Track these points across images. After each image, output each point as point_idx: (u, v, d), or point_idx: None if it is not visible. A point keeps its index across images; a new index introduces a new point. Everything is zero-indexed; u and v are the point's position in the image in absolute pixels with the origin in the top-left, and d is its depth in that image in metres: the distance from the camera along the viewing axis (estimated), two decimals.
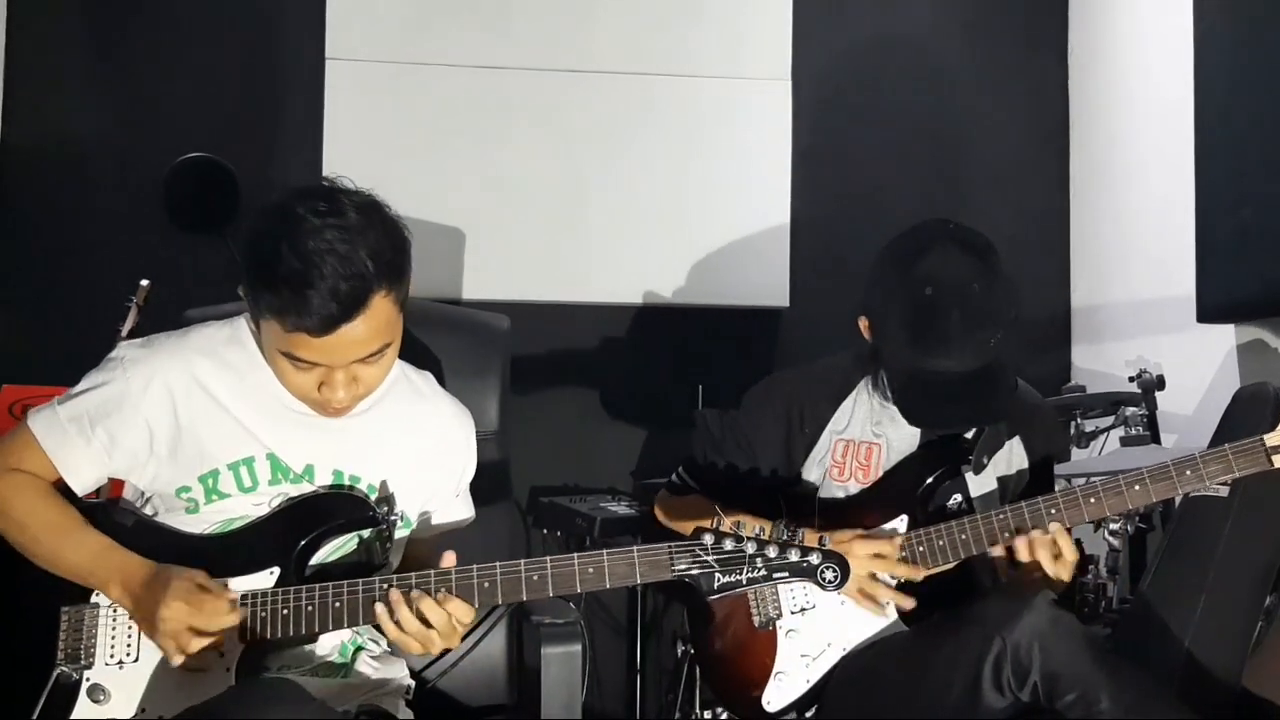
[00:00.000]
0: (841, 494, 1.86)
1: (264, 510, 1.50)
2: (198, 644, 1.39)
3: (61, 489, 1.51)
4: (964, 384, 1.70)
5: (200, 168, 2.45)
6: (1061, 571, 1.69)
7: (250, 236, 1.42)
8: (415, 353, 1.68)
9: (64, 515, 1.48)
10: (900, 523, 1.78)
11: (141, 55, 2.91)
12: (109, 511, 1.53)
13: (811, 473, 1.89)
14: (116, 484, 1.59)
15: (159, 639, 1.40)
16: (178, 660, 1.40)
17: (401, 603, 1.41)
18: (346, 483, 1.54)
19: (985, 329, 1.70)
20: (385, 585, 1.44)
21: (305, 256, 1.35)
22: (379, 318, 1.40)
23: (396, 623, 1.42)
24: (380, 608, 1.42)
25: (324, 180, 1.47)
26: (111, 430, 1.48)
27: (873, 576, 1.72)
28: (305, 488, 1.52)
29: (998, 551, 1.70)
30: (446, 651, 1.50)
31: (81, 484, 1.51)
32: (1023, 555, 1.68)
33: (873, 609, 1.75)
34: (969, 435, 1.85)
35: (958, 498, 1.83)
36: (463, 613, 1.43)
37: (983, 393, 1.72)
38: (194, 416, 1.49)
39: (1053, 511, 1.70)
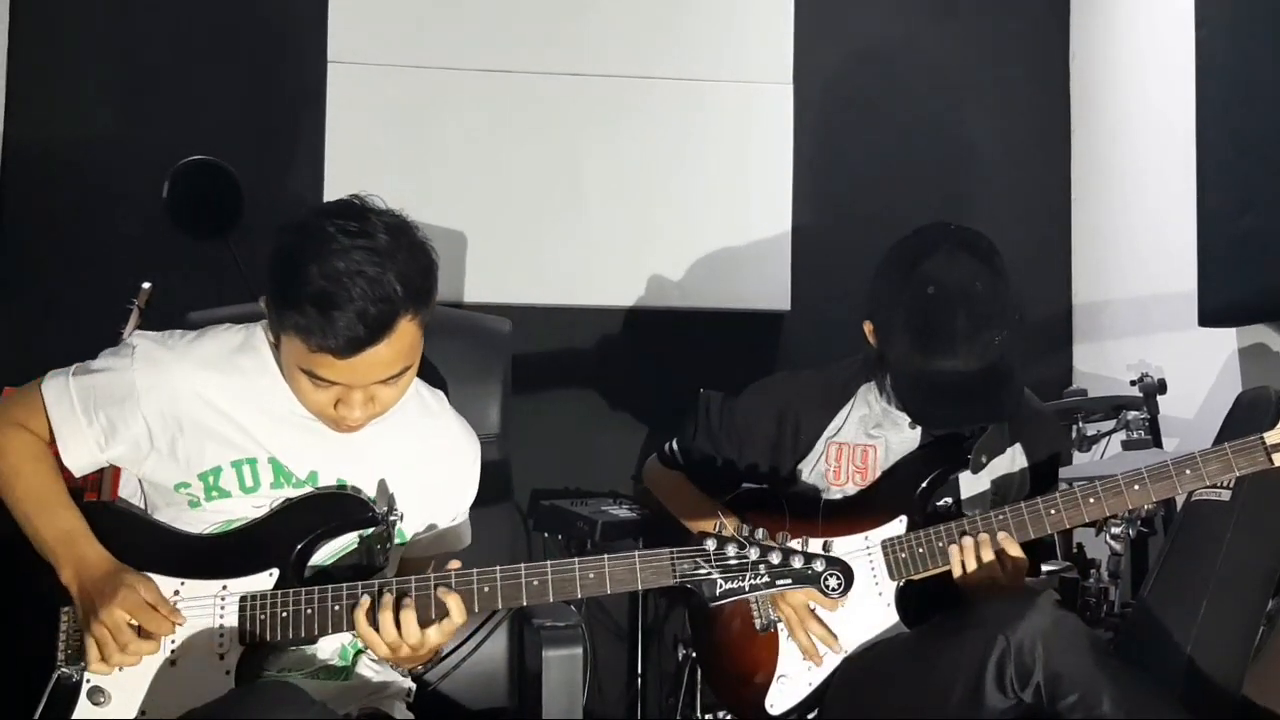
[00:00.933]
0: (840, 496, 1.87)
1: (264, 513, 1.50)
2: (119, 659, 1.39)
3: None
4: (970, 384, 1.71)
5: (202, 170, 2.45)
6: (1015, 580, 1.69)
7: (277, 252, 1.40)
8: None
9: (49, 487, 1.49)
10: (899, 524, 1.78)
11: (144, 58, 2.91)
12: (110, 510, 1.54)
13: (809, 478, 1.89)
14: (114, 481, 1.59)
15: (87, 639, 1.40)
16: (95, 667, 1.40)
17: (388, 606, 1.40)
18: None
19: (989, 328, 1.71)
20: (384, 588, 1.43)
21: (334, 278, 1.34)
22: (404, 341, 1.40)
23: (372, 624, 1.40)
24: (365, 601, 1.41)
25: (354, 198, 1.45)
26: (112, 418, 1.49)
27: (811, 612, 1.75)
28: (306, 491, 1.52)
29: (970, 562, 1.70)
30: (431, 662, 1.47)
31: (74, 463, 1.51)
32: (969, 563, 1.68)
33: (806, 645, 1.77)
34: (968, 435, 1.86)
35: (948, 500, 1.84)
36: (457, 611, 1.41)
37: (989, 392, 1.73)
38: (196, 421, 1.49)
39: (1052, 512, 1.70)
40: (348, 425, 1.46)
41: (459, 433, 1.65)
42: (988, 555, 1.69)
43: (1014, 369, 1.76)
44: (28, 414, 1.52)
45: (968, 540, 1.69)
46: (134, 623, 1.39)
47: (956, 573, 1.70)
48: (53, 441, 1.51)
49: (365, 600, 1.41)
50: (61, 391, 1.51)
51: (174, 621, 1.41)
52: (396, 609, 1.40)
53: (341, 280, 1.34)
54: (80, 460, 1.52)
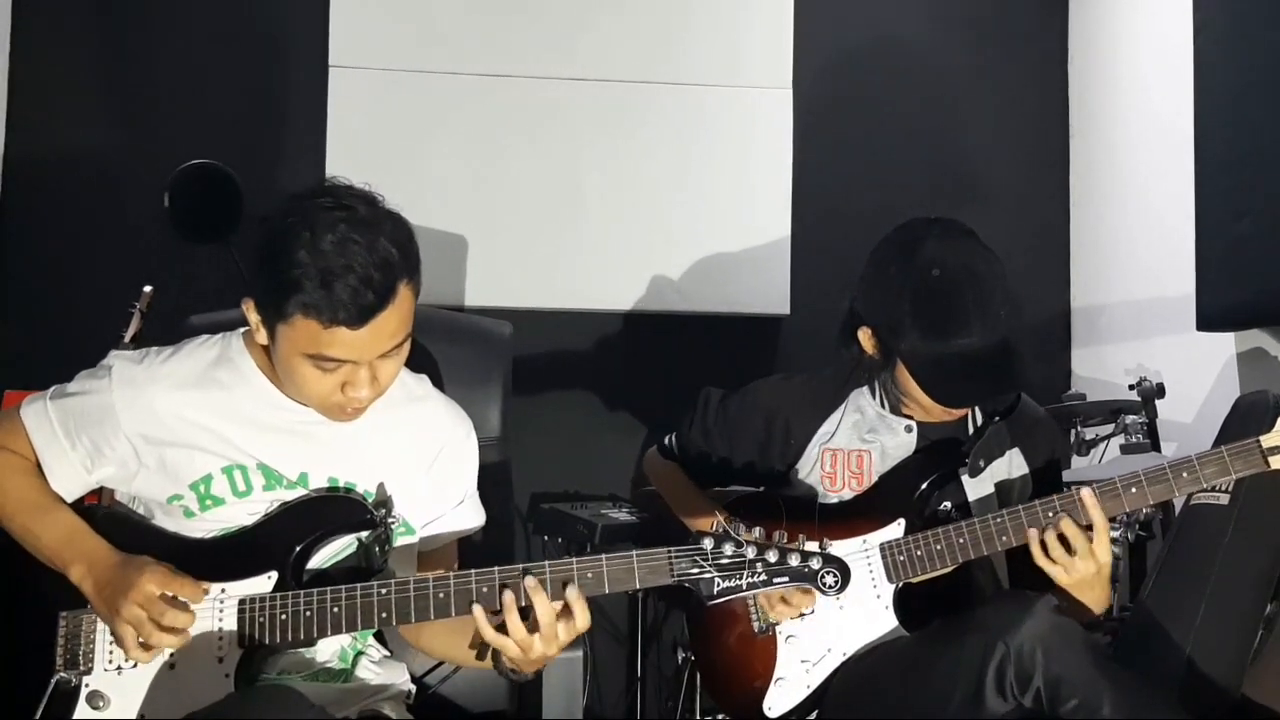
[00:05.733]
0: (836, 501, 1.87)
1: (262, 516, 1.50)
2: (160, 638, 1.38)
3: None
4: (988, 357, 1.72)
5: (203, 174, 2.45)
6: (1100, 552, 1.65)
7: (265, 243, 1.40)
8: (418, 358, 1.68)
9: (41, 495, 1.48)
10: (897, 527, 1.78)
11: (145, 63, 2.92)
12: (106, 515, 1.53)
13: (805, 482, 1.90)
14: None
15: (119, 624, 1.38)
16: (135, 654, 1.39)
17: (539, 589, 1.38)
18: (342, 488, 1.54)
19: (995, 301, 1.74)
20: (384, 590, 1.43)
21: (331, 251, 1.35)
22: (404, 307, 1.41)
23: (524, 611, 1.38)
24: (508, 596, 1.39)
25: (320, 182, 1.47)
26: (95, 440, 1.49)
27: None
28: (302, 493, 1.51)
29: (1043, 562, 1.67)
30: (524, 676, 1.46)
31: (62, 487, 1.51)
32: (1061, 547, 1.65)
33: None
34: (966, 438, 1.86)
35: (947, 504, 1.84)
36: (581, 617, 1.40)
37: (1006, 363, 1.75)
38: (181, 436, 1.49)
39: (1050, 515, 1.70)
40: (355, 408, 1.46)
41: (446, 413, 1.63)
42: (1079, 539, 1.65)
43: (1018, 340, 1.77)
44: (10, 439, 1.51)
45: (1058, 529, 1.65)
46: (166, 594, 1.37)
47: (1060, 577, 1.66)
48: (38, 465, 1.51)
49: (479, 611, 1.40)
50: (41, 416, 1.50)
51: (203, 589, 1.40)
52: (521, 604, 1.39)
53: (337, 252, 1.35)
54: (69, 484, 1.51)
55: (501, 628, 1.41)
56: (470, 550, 1.69)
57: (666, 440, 2.06)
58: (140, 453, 1.48)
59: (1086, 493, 1.67)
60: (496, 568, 1.44)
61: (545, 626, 1.39)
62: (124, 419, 1.48)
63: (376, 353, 1.41)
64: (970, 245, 1.78)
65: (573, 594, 1.40)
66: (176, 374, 1.51)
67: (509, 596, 1.40)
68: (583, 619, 1.41)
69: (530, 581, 1.40)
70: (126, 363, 1.52)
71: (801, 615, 1.77)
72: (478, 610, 1.40)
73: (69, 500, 1.51)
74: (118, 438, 1.48)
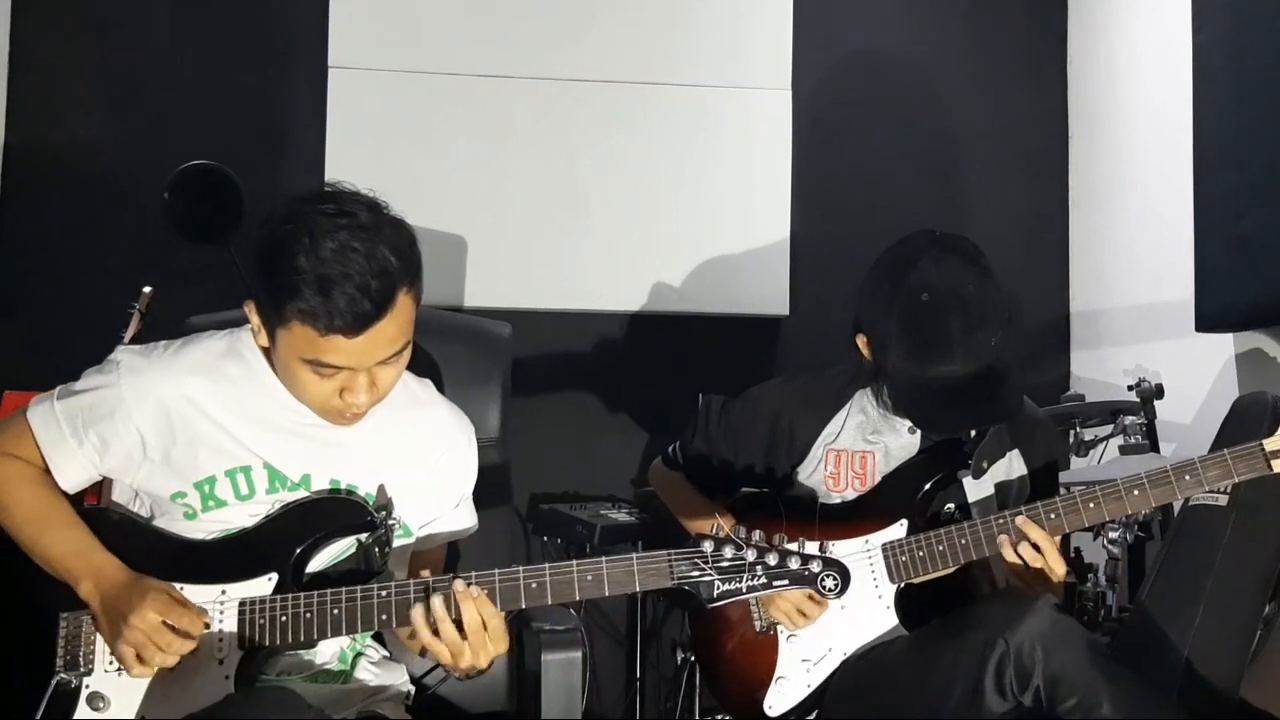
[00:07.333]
0: (839, 502, 1.87)
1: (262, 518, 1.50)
2: (160, 658, 1.38)
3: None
4: (971, 386, 1.72)
5: (203, 175, 2.45)
6: (1054, 564, 1.68)
7: (265, 247, 1.40)
8: (417, 359, 1.67)
9: (49, 507, 1.48)
10: (899, 528, 1.79)
11: (145, 63, 2.92)
12: (106, 515, 1.53)
13: (808, 483, 1.90)
14: (109, 485, 1.59)
15: (121, 644, 1.39)
16: (134, 670, 1.40)
17: (466, 597, 1.39)
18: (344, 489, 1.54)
19: (984, 329, 1.72)
20: (384, 592, 1.43)
21: (328, 258, 1.35)
22: (404, 315, 1.41)
23: (432, 625, 1.40)
24: (419, 610, 1.41)
25: (325, 185, 1.47)
26: (104, 434, 1.49)
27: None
28: (303, 495, 1.51)
29: (1010, 555, 1.70)
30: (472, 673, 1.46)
31: (70, 484, 1.51)
32: (1030, 559, 1.68)
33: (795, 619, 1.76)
34: (968, 440, 1.86)
35: (950, 506, 1.84)
36: (491, 616, 1.41)
37: (990, 393, 1.74)
38: (189, 428, 1.49)
39: (1052, 516, 1.70)
40: (353, 413, 1.46)
41: (449, 418, 1.64)
42: (1050, 553, 1.68)
43: (1011, 367, 1.77)
44: (16, 443, 1.51)
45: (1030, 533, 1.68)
46: (168, 622, 1.38)
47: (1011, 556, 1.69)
48: (46, 468, 1.51)
49: (419, 611, 1.41)
50: (48, 416, 1.50)
51: (203, 620, 1.41)
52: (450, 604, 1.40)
53: (336, 259, 1.35)
54: (75, 480, 1.51)
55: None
56: (471, 551, 1.69)
57: (670, 450, 2.06)
58: (148, 444, 1.49)
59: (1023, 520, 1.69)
60: (496, 570, 1.44)
61: (472, 635, 1.40)
62: (135, 408, 1.48)
63: (374, 360, 1.41)
64: (964, 268, 1.75)
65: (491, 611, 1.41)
66: (185, 362, 1.51)
67: (438, 601, 1.40)
68: (499, 642, 1.42)
69: (459, 586, 1.41)
70: (134, 355, 1.52)
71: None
72: (417, 613, 1.41)
73: (74, 490, 1.52)
74: (128, 428, 1.48)
